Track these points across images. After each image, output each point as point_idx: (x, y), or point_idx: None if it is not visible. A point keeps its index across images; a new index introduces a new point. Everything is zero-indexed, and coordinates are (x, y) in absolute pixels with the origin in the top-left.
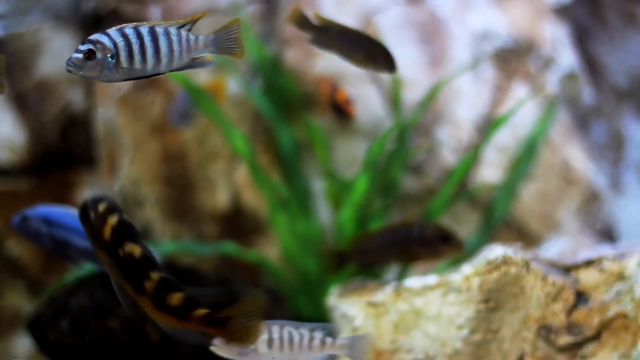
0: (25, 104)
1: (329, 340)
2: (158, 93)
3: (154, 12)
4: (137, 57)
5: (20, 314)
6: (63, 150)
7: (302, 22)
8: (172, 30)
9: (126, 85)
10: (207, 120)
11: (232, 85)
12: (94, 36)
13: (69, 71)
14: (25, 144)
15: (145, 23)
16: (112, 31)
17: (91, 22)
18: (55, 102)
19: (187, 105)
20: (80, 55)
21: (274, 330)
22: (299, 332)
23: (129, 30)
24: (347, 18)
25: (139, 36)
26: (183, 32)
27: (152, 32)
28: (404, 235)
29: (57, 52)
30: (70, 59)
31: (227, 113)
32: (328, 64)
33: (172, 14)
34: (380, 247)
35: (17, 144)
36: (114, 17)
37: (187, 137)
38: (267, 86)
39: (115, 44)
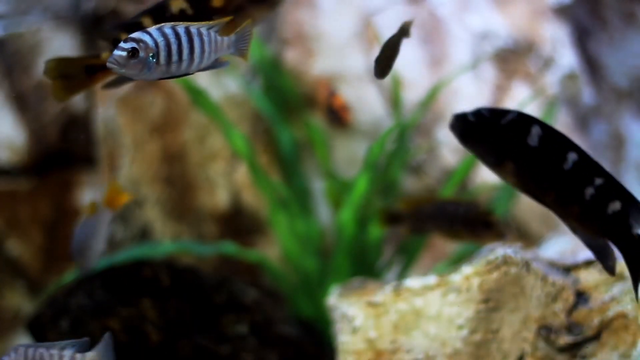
0: (25, 104)
1: (78, 357)
2: (158, 93)
3: None
4: (174, 56)
5: (20, 314)
6: (63, 150)
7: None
8: (204, 31)
9: (126, 85)
10: (207, 120)
11: (232, 85)
12: (137, 34)
13: (111, 69)
14: (25, 144)
15: (181, 23)
16: (153, 30)
17: (91, 22)
18: (55, 102)
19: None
20: (123, 53)
21: (24, 353)
22: (49, 353)
23: (168, 29)
24: (347, 18)
25: (177, 36)
26: (212, 33)
27: (188, 33)
28: (451, 211)
29: (57, 52)
30: (113, 56)
31: (227, 113)
32: (328, 64)
33: None
34: (430, 217)
35: (17, 144)
36: (114, 17)
37: (187, 137)
38: (267, 86)
39: (156, 43)
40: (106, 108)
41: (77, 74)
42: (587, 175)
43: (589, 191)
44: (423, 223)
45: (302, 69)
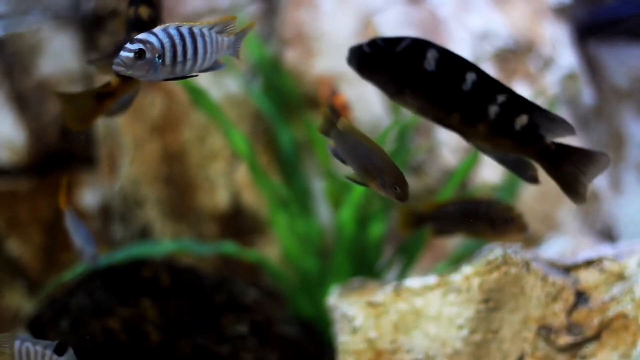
0: (25, 104)
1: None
2: (158, 93)
3: None
4: (179, 57)
5: (20, 314)
6: (63, 150)
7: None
8: (206, 32)
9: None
10: (207, 120)
11: (232, 85)
12: (143, 36)
13: (117, 70)
14: (25, 144)
15: (184, 23)
16: (159, 31)
17: (91, 22)
18: (55, 102)
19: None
20: (131, 55)
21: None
22: (34, 349)
23: (172, 30)
24: (347, 18)
25: (182, 37)
26: (213, 34)
27: (191, 33)
28: (473, 210)
29: (57, 52)
30: (119, 57)
31: (227, 113)
32: (328, 64)
33: (172, 14)
34: (453, 217)
35: (17, 144)
36: (114, 17)
37: (187, 137)
38: (267, 86)
39: (162, 44)
40: None
41: (89, 104)
42: (489, 94)
43: (494, 109)
44: (446, 224)
45: (302, 69)
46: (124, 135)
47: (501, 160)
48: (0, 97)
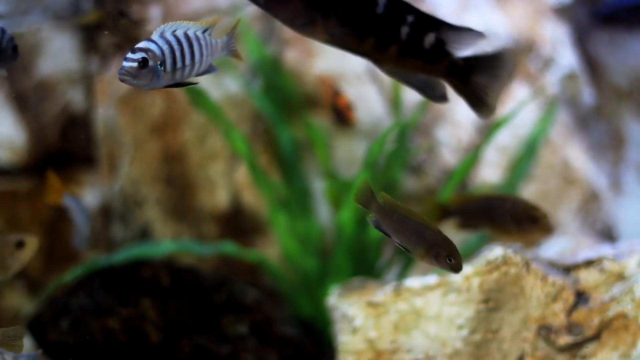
0: (25, 104)
1: None
2: (158, 93)
3: (154, 12)
4: (179, 63)
5: (20, 314)
6: (63, 150)
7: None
8: (200, 35)
9: (126, 85)
10: (207, 120)
11: (232, 85)
12: (143, 44)
13: (123, 80)
14: (25, 144)
15: (177, 24)
16: (157, 38)
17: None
18: (55, 102)
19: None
20: (134, 64)
21: None
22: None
23: (170, 36)
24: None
25: (179, 42)
26: (207, 36)
27: (187, 37)
28: (498, 207)
29: (57, 52)
30: (123, 67)
31: (227, 113)
32: (328, 64)
33: (172, 14)
34: (478, 213)
35: (17, 144)
36: (114, 17)
37: (187, 137)
38: (267, 86)
39: (162, 51)
40: (106, 108)
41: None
42: (400, 15)
43: (405, 30)
44: (471, 219)
45: (302, 69)
46: (124, 135)
47: (411, 83)
48: (0, 97)
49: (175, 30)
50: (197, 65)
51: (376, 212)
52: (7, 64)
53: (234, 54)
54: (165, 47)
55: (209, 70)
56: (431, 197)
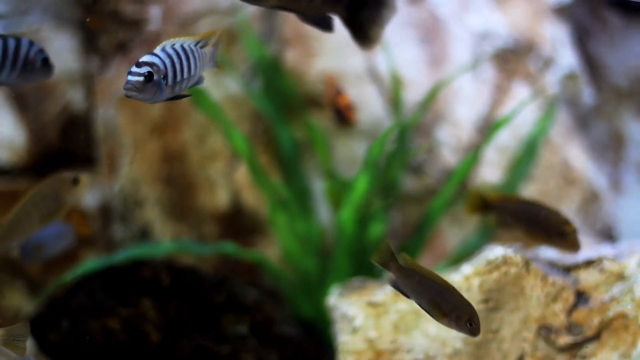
0: (25, 104)
1: None
2: None
3: (154, 12)
4: (178, 76)
5: (20, 314)
6: (63, 150)
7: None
8: (194, 48)
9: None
10: (207, 120)
11: (232, 85)
12: (147, 58)
13: (129, 95)
14: (25, 144)
15: (177, 40)
16: (159, 52)
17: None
18: (55, 102)
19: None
20: (141, 78)
21: None
22: None
23: (170, 49)
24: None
25: (178, 55)
26: (198, 49)
27: (184, 50)
28: (532, 213)
29: (57, 52)
30: (129, 82)
31: (227, 113)
32: (328, 64)
33: (172, 14)
34: (514, 214)
35: (17, 144)
36: (114, 17)
37: (187, 137)
38: (267, 86)
39: (165, 65)
40: (106, 108)
41: None
42: None
43: None
44: (507, 218)
45: (302, 69)
46: (124, 135)
47: (310, 20)
48: (0, 97)
49: (173, 44)
50: (193, 78)
51: (396, 273)
52: (39, 79)
53: (216, 65)
54: (167, 61)
55: (198, 81)
56: (475, 187)
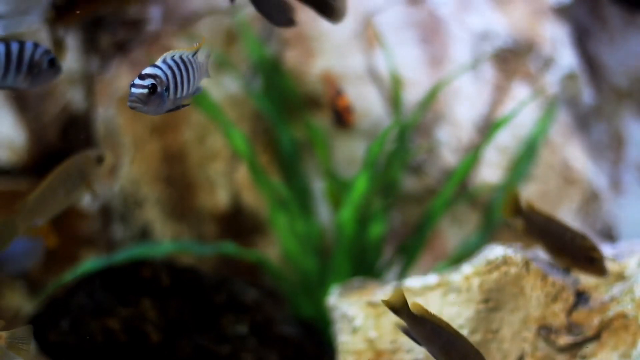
0: (25, 104)
1: None
2: None
3: (154, 12)
4: (179, 87)
5: (20, 314)
6: (63, 150)
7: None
8: (191, 58)
9: (126, 85)
10: (207, 120)
11: (232, 85)
12: (150, 70)
13: (133, 107)
14: (25, 144)
15: (176, 52)
16: (161, 63)
17: (91, 22)
18: (55, 102)
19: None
20: (145, 91)
21: None
22: None
23: (170, 61)
24: (347, 18)
25: (178, 67)
26: (194, 59)
27: (183, 61)
28: (559, 233)
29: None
30: (133, 94)
31: (227, 113)
32: (328, 64)
33: (172, 14)
34: (540, 228)
35: (17, 144)
36: (114, 17)
37: (187, 137)
38: (267, 86)
39: (167, 76)
40: (106, 108)
41: None
42: None
43: None
44: (534, 230)
45: (302, 69)
46: (124, 135)
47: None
48: (0, 97)
49: (173, 56)
50: (192, 89)
51: (407, 320)
52: (47, 80)
53: (208, 74)
54: (169, 72)
55: (196, 91)
56: (514, 190)
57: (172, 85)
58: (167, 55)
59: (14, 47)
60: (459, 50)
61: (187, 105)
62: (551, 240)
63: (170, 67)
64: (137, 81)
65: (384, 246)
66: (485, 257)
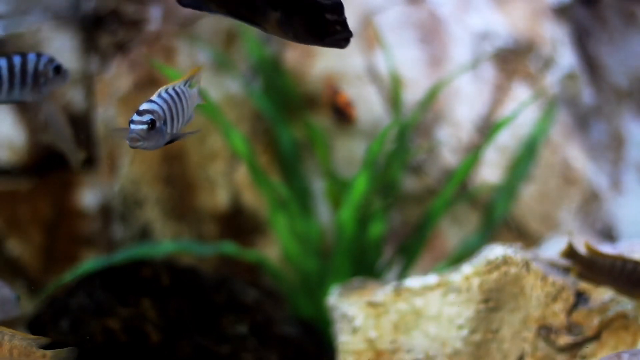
0: (25, 104)
1: None
2: None
3: (154, 12)
4: (175, 120)
5: (20, 314)
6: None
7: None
8: (184, 88)
9: (126, 85)
10: (207, 120)
11: (232, 85)
12: (147, 105)
13: (133, 145)
14: (25, 144)
15: (169, 85)
16: (157, 98)
17: (91, 22)
18: (55, 102)
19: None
20: (145, 127)
21: None
22: None
23: (165, 94)
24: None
25: (173, 99)
26: (187, 89)
27: (177, 94)
28: (618, 268)
29: (57, 52)
30: (133, 131)
31: (227, 113)
32: (327, 64)
33: (172, 14)
34: (599, 272)
35: (17, 144)
36: (114, 17)
37: (187, 137)
38: (267, 86)
39: (163, 110)
40: (106, 108)
41: None
42: None
43: None
44: (592, 274)
45: (302, 69)
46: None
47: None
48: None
49: (167, 89)
50: (186, 119)
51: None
52: (56, 87)
53: (201, 99)
54: (165, 106)
55: (189, 119)
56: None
57: (168, 118)
58: (162, 89)
59: (16, 61)
60: (459, 50)
61: (188, 134)
62: (612, 279)
63: (165, 101)
64: (136, 117)
65: (384, 246)
66: (485, 257)
